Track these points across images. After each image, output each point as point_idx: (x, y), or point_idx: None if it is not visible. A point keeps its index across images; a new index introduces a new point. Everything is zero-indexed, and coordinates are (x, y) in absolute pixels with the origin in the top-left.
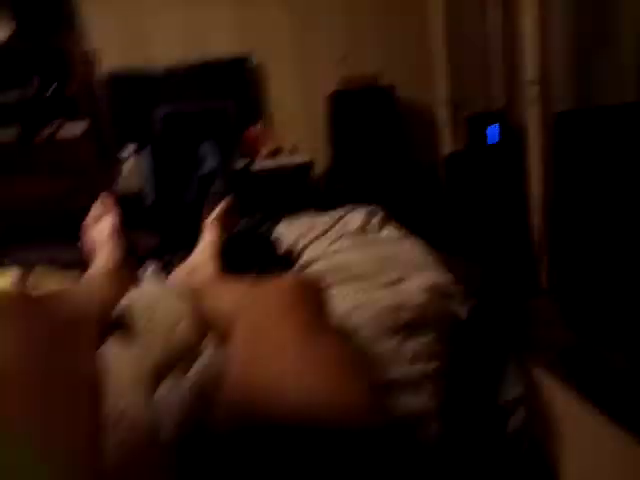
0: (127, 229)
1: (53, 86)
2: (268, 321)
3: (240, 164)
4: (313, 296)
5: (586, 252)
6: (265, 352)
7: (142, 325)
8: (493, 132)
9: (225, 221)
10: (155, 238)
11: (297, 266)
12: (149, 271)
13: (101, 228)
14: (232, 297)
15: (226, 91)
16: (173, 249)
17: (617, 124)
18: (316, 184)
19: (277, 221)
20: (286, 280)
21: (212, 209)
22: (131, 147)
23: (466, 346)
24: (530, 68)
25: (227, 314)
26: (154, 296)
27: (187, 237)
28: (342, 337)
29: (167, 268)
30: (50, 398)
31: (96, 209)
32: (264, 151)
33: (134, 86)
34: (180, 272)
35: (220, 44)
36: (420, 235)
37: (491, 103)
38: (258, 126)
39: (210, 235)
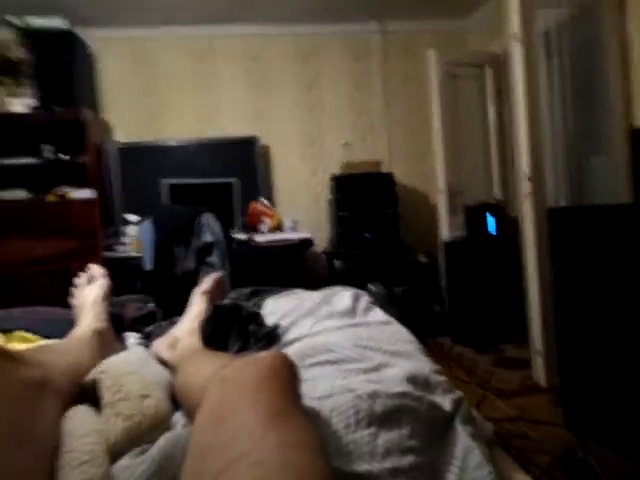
0: (117, 295)
1: (66, 155)
2: (234, 402)
3: (241, 237)
4: (286, 376)
5: (589, 349)
6: (221, 438)
7: (111, 395)
8: (491, 222)
9: (213, 293)
10: (142, 308)
11: (281, 343)
12: (132, 340)
13: (88, 293)
14: (206, 373)
15: (233, 169)
16: (159, 318)
17: (610, 223)
18: (315, 260)
19: (266, 296)
20: (261, 358)
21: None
22: (135, 215)
23: (450, 437)
24: (524, 164)
25: (198, 391)
26: (128, 367)
27: (181, 304)
28: (309, 422)
29: (149, 338)
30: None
31: (85, 275)
32: (266, 226)
33: (144, 158)
34: (162, 343)
35: (230, 125)
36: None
37: (489, 194)
38: (261, 202)
39: (197, 307)
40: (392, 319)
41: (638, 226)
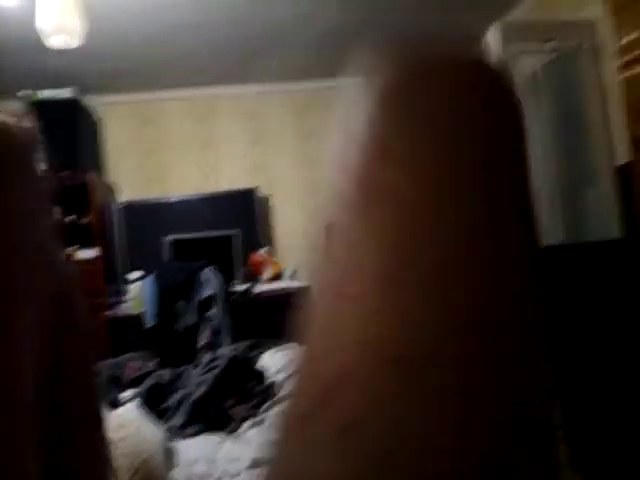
0: (119, 354)
1: (71, 216)
2: None
3: (241, 288)
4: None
5: (587, 384)
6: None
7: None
8: None
9: None
10: (141, 368)
11: (278, 397)
12: (127, 400)
13: None
14: None
15: (234, 221)
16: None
17: (602, 259)
18: None
19: (264, 350)
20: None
21: (207, 333)
22: (138, 272)
23: None
24: None
25: None
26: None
27: (182, 359)
28: None
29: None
30: None
31: None
32: (266, 275)
33: (147, 216)
34: None
35: (231, 179)
36: None
37: None
38: (262, 252)
39: None
40: None
41: (631, 261)
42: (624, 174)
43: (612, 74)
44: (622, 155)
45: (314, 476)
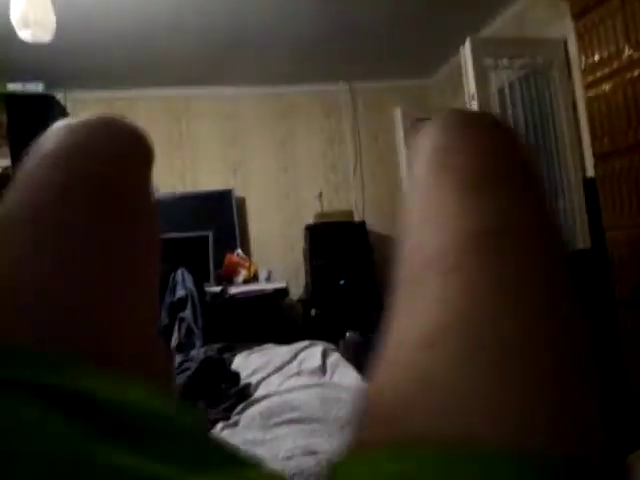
0: None
1: None
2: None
3: (216, 289)
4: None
5: None
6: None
7: None
8: None
9: None
10: None
11: (251, 399)
12: None
13: None
14: None
15: (209, 221)
16: None
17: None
18: (291, 309)
19: (237, 352)
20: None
21: (180, 334)
22: None
23: None
24: None
25: None
26: None
27: None
28: None
29: None
30: None
31: None
32: (241, 277)
33: None
34: None
35: (206, 180)
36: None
37: None
38: (237, 253)
39: None
40: (362, 377)
41: (595, 270)
42: (591, 186)
43: (582, 89)
44: (592, 167)
45: (429, 311)
